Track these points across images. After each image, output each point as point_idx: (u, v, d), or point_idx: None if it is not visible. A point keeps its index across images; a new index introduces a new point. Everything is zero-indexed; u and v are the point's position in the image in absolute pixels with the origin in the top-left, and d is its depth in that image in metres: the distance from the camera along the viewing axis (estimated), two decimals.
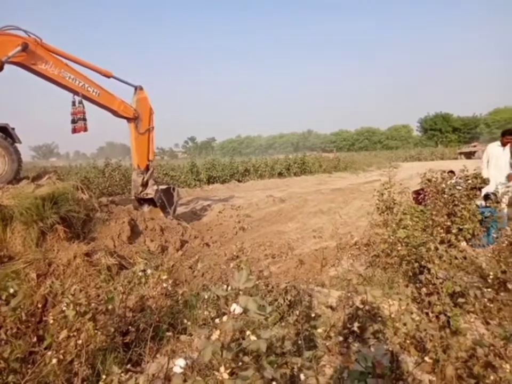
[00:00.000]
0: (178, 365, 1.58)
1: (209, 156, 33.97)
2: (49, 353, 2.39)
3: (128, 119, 7.65)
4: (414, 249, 4.10)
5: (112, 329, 2.89)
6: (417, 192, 6.59)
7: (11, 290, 2.51)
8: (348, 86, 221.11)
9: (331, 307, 3.47)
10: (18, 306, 2.55)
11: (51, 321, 2.56)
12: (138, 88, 7.76)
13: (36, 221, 4.65)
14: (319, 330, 2.69)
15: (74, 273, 4.32)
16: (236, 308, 1.57)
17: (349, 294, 3.11)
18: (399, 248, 4.22)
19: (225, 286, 1.82)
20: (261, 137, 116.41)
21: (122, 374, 1.84)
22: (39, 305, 3.28)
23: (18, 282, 2.67)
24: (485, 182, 6.15)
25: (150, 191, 7.69)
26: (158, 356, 3.02)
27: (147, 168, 7.84)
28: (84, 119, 6.75)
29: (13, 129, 6.76)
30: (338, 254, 5.46)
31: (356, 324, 2.54)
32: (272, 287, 3.72)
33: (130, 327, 3.20)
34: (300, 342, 2.83)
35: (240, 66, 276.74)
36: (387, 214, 5.23)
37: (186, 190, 16.10)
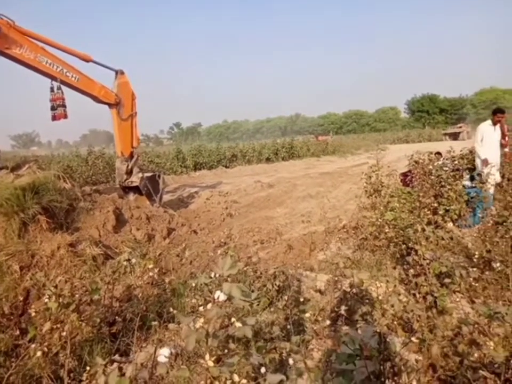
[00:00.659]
0: (163, 354, 1.56)
1: (196, 142, 33.51)
2: (33, 346, 2.33)
3: (110, 105, 7.42)
4: (401, 231, 4.12)
5: (98, 320, 2.84)
6: (404, 174, 6.62)
7: None
8: (335, 69, 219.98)
9: (320, 291, 3.48)
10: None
11: (33, 314, 2.50)
12: (119, 72, 7.51)
13: (16, 212, 4.51)
14: (307, 314, 2.68)
15: (59, 264, 4.23)
16: (219, 295, 1.54)
17: (337, 278, 3.11)
18: (386, 230, 4.24)
19: (211, 274, 1.79)
20: (248, 121, 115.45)
21: (107, 365, 1.80)
22: (21, 298, 3.21)
23: None
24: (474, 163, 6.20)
25: (135, 179, 7.53)
26: (146, 345, 3.00)
27: (131, 155, 7.66)
28: (64, 106, 6.52)
29: None
30: (327, 238, 5.48)
31: (344, 307, 2.55)
32: (261, 273, 3.71)
33: (117, 317, 3.16)
34: (288, 326, 2.83)
35: (226, 51, 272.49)
36: (375, 196, 5.24)
37: (172, 177, 15.93)
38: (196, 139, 79.27)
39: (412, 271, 3.18)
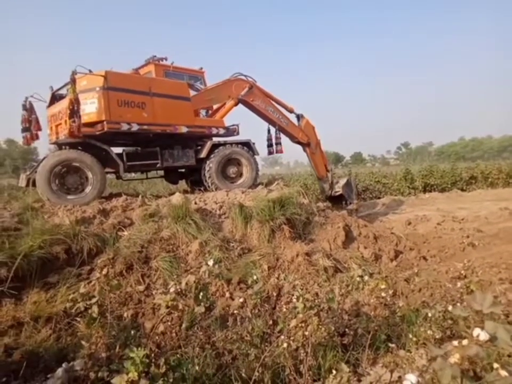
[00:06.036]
0: (409, 380, 1.54)
1: (425, 162, 31.07)
2: (282, 337, 2.73)
3: (303, 144, 9.58)
4: None
5: (333, 328, 3.05)
6: None
7: (254, 277, 3.02)
8: None
9: None
10: (259, 292, 3.05)
11: (284, 310, 2.93)
12: (301, 116, 9.57)
13: (268, 220, 5.44)
14: None
15: (296, 270, 4.81)
16: (480, 334, 1.41)
17: None
18: None
19: (461, 307, 1.66)
20: (492, 138, 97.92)
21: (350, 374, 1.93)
22: (274, 294, 3.82)
23: (258, 271, 3.18)
24: None
25: (337, 189, 10.14)
26: (375, 365, 2.99)
27: (327, 173, 10.18)
28: (280, 144, 8.81)
29: (254, 144, 8.33)
30: None
31: None
32: None
33: (347, 329, 3.31)
34: None
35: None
36: None
37: (399, 198, 15.31)
38: (425, 159, 73.28)
39: None
